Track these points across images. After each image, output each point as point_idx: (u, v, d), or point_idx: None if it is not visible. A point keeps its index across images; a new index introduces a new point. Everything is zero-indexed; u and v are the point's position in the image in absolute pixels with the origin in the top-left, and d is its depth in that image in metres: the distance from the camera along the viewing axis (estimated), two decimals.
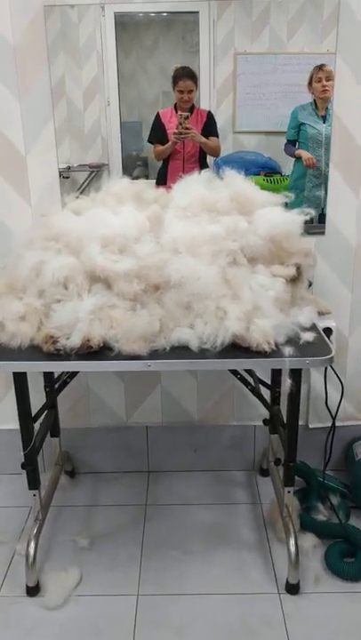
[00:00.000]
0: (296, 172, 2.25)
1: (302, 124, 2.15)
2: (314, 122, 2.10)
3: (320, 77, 2.00)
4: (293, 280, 1.67)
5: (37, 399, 1.94)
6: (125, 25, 2.21)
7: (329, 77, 1.98)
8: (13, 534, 2.04)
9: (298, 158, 2.22)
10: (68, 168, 2.20)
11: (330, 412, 2.03)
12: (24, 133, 1.94)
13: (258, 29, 2.13)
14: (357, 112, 1.93)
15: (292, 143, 2.22)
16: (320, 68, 2.00)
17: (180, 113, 2.15)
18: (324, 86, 2.03)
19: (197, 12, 2.14)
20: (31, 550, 1.78)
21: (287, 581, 1.79)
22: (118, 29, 2.18)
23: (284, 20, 2.13)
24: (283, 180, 2.33)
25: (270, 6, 2.09)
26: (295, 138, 2.20)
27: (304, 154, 2.17)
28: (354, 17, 1.85)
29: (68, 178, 2.20)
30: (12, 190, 2.01)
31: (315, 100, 2.10)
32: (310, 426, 2.26)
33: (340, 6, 1.85)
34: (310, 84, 2.08)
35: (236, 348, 1.52)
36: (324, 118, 2.10)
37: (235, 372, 1.81)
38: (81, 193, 2.14)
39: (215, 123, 2.21)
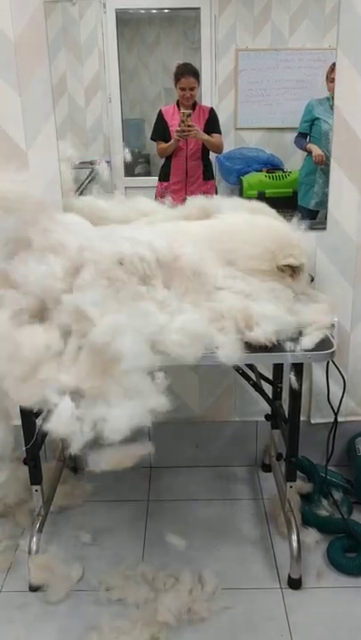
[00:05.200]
0: (307, 167, 2.22)
1: (317, 118, 2.12)
2: (329, 117, 2.07)
3: (333, 78, 1.99)
4: (291, 276, 1.67)
5: None
6: (127, 21, 2.22)
7: None
8: (16, 529, 2.04)
9: (309, 153, 2.19)
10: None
11: (332, 407, 2.03)
12: (25, 129, 1.93)
13: (259, 25, 2.13)
14: (359, 106, 1.92)
15: (303, 136, 2.20)
16: (333, 68, 1.98)
17: (182, 111, 2.15)
18: None
19: (199, 9, 2.14)
20: (33, 545, 1.79)
21: (289, 576, 1.79)
22: (120, 26, 2.18)
23: (285, 15, 2.13)
24: (285, 177, 2.32)
25: (272, 2, 2.09)
26: (307, 131, 2.17)
27: (315, 149, 2.14)
28: (354, 10, 1.84)
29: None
30: None
31: (332, 96, 2.08)
32: (312, 421, 2.25)
33: None
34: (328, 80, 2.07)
35: None
36: None
37: (236, 368, 1.81)
38: (81, 191, 2.15)
39: (218, 119, 2.21)
